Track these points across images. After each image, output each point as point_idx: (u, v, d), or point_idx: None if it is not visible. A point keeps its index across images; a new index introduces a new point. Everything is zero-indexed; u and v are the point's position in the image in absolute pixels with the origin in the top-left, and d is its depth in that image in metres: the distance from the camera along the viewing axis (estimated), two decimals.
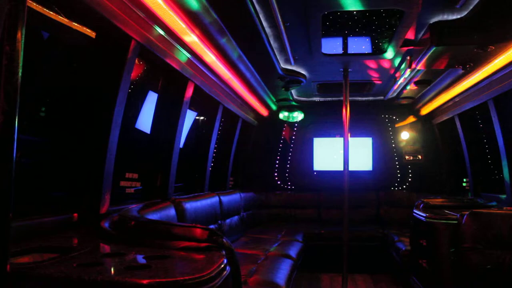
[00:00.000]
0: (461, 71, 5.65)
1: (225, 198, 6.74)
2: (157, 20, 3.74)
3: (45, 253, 2.51)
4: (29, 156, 3.60)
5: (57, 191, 3.82)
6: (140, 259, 2.28)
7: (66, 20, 3.38)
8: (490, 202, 5.70)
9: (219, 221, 6.31)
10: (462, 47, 4.46)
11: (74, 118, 3.77)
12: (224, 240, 2.49)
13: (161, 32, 3.97)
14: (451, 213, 4.78)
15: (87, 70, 3.82)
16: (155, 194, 5.07)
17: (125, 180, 4.90)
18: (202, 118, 7.32)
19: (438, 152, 8.94)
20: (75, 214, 3.44)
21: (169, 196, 5.11)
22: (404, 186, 9.44)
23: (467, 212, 4.30)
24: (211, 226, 5.93)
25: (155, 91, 5.37)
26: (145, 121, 5.30)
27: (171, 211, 4.65)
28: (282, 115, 9.20)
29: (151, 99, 5.37)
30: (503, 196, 6.10)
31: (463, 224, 4.27)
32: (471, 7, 3.86)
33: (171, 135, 5.11)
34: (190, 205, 5.14)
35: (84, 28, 3.60)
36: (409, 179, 9.44)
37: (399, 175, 9.51)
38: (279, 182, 9.77)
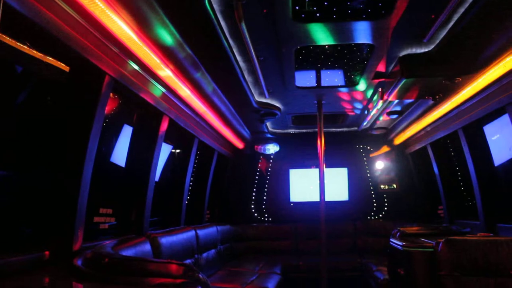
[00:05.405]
0: (431, 102, 5.81)
1: (201, 232, 6.64)
2: (131, 56, 3.76)
3: None
4: None
5: (28, 227, 3.71)
6: None
7: (40, 54, 3.35)
8: (464, 228, 5.78)
9: (196, 255, 6.20)
10: (430, 79, 4.61)
11: (47, 152, 3.70)
12: (200, 275, 2.45)
13: (136, 67, 3.99)
14: (427, 241, 4.82)
15: (61, 104, 3.78)
16: (130, 229, 4.97)
17: (99, 216, 4.80)
18: (177, 151, 7.28)
19: (412, 181, 9.07)
20: (47, 252, 3.33)
21: (145, 231, 5.02)
22: (381, 215, 9.51)
23: (443, 240, 4.35)
24: (188, 261, 5.83)
25: (130, 125, 5.34)
26: (120, 154, 5.25)
27: (147, 247, 4.56)
28: (258, 147, 9.23)
29: (126, 132, 5.33)
30: (477, 222, 6.19)
31: (439, 252, 4.31)
32: (437, 41, 4.02)
33: (146, 170, 5.04)
34: (166, 240, 5.06)
35: (58, 63, 3.57)
36: (385, 208, 9.51)
37: (375, 204, 9.58)
38: (256, 214, 9.71)
